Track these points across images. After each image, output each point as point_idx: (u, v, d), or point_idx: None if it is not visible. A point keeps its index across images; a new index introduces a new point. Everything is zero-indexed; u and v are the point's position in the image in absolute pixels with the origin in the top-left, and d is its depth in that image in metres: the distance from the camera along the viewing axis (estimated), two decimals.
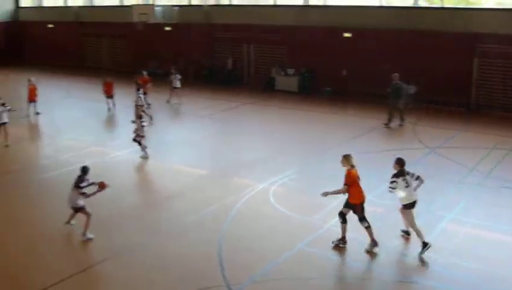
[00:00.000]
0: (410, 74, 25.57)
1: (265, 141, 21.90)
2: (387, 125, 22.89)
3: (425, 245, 12.04)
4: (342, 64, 29.51)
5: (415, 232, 12.30)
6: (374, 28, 28.32)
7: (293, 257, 12.25)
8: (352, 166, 12.29)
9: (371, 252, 12.27)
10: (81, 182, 13.05)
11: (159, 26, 36.23)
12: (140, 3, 38.02)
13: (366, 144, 20.70)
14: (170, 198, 15.96)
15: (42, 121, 26.30)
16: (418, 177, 12.44)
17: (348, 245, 12.52)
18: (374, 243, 12.32)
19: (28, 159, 20.77)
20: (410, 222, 12.37)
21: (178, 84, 28.93)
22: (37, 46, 46.61)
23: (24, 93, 26.99)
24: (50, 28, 45.44)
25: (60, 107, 29.41)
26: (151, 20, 34.62)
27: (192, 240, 13.27)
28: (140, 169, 19.64)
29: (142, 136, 19.69)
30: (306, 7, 31.67)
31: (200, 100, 30.11)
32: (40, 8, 47.61)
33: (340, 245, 12.52)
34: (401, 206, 12.46)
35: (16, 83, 34.83)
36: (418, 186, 12.43)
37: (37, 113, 26.51)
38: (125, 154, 20.20)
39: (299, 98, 29.87)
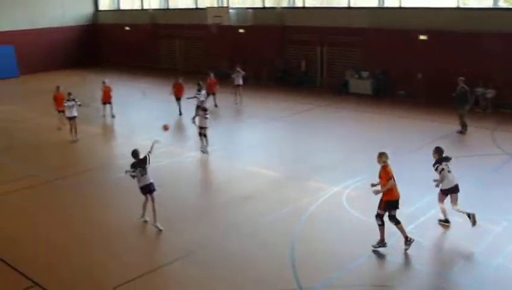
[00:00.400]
0: (489, 78, 24.82)
1: (338, 144, 21.73)
2: (462, 132, 22.12)
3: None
4: (417, 68, 28.85)
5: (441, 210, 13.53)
6: (451, 30, 27.55)
7: (366, 263, 12.13)
8: (386, 163, 12.30)
9: (375, 251, 12.43)
10: (145, 164, 13.91)
11: (233, 29, 36.60)
12: (215, 6, 38.49)
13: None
14: (244, 198, 16.09)
15: (118, 121, 27.04)
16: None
17: (426, 252, 12.27)
18: (381, 242, 12.46)
19: (103, 158, 21.46)
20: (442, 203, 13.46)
21: (240, 81, 29.17)
22: (115, 48, 48.15)
23: (100, 94, 27.79)
24: (127, 30, 46.72)
25: (136, 108, 30.13)
26: (225, 23, 34.96)
27: (266, 240, 13.36)
28: (213, 169, 19.93)
29: (205, 128, 20.13)
30: (380, 9, 31.20)
31: (273, 102, 30.20)
32: (117, 11, 49.06)
33: (406, 249, 12.35)
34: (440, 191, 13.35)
35: (93, 84, 35.90)
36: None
37: (113, 116, 27.24)
38: (198, 155, 20.55)
39: (373, 101, 29.42)
